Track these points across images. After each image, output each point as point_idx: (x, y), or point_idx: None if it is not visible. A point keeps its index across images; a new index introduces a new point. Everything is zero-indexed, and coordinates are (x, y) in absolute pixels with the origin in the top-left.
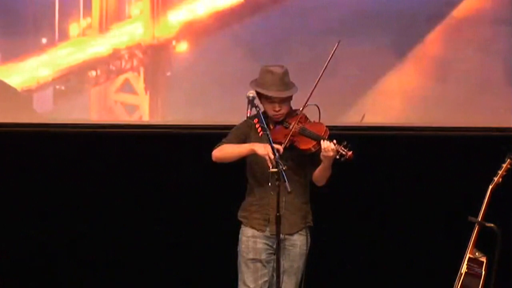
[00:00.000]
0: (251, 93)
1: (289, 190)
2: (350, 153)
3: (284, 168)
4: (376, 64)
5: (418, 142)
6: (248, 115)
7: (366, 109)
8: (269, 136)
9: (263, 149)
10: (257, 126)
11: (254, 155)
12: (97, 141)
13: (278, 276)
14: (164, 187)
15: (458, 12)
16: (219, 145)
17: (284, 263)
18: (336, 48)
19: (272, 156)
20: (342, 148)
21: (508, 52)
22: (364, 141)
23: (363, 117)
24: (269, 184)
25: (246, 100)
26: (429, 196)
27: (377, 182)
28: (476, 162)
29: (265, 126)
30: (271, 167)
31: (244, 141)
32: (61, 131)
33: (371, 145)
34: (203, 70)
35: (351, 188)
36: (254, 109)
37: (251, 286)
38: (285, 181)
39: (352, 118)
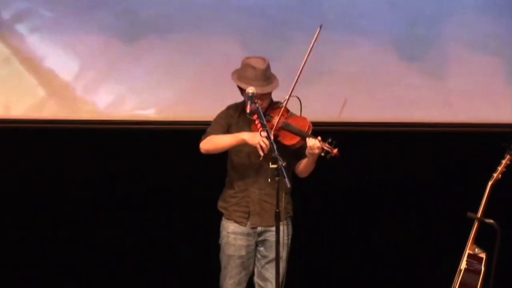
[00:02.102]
0: (251, 89)
1: (288, 186)
2: (335, 150)
3: (283, 165)
4: (375, 61)
5: (417, 138)
6: (248, 111)
7: (365, 106)
8: (269, 133)
9: (253, 138)
10: (256, 122)
11: (237, 146)
12: (95, 137)
13: (277, 272)
14: (162, 184)
15: (458, 10)
16: (206, 136)
17: (268, 254)
18: (318, 33)
19: (263, 145)
20: (327, 146)
21: (508, 47)
22: (364, 137)
23: (343, 105)
24: (269, 180)
25: (246, 97)
26: (429, 192)
27: (376, 178)
28: (475, 158)
29: (265, 122)
30: (262, 155)
31: (227, 131)
32: (57, 127)
33: (372, 142)
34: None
35: (352, 185)
36: (253, 104)
37: (230, 282)
38: (285, 177)
39: (351, 114)
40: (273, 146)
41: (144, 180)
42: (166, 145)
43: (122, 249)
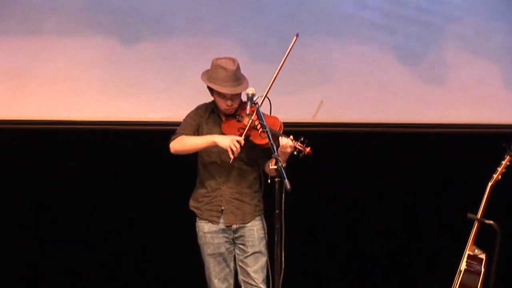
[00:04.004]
0: (251, 90)
1: (288, 187)
2: (308, 149)
3: (283, 166)
4: (376, 63)
5: (417, 139)
6: (248, 112)
7: (366, 107)
8: (269, 133)
9: (224, 141)
10: (256, 123)
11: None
12: (95, 137)
13: (277, 273)
14: (162, 184)
15: (457, 12)
16: (176, 137)
17: (248, 249)
18: (294, 42)
19: (234, 148)
20: (300, 144)
21: (508, 48)
22: (365, 138)
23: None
24: (269, 181)
25: (246, 97)
26: (429, 192)
27: (377, 179)
28: (475, 159)
29: (264, 123)
30: (232, 158)
31: (197, 130)
32: (58, 128)
33: (372, 142)
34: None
35: (352, 185)
36: (251, 104)
37: (215, 281)
38: (285, 178)
39: (352, 115)
40: (273, 146)
41: (144, 180)
42: (166, 145)
43: (122, 249)
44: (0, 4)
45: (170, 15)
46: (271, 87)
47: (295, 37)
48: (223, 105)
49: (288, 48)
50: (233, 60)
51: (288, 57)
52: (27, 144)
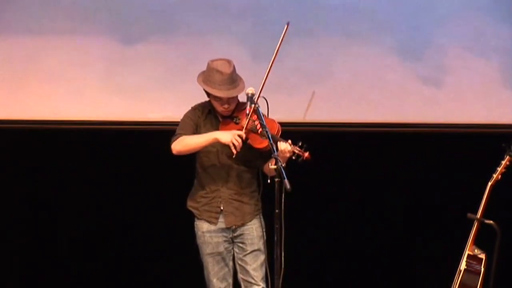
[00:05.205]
0: (251, 90)
1: (288, 187)
2: (306, 154)
3: (283, 166)
4: (376, 64)
5: (418, 139)
6: (247, 112)
7: (367, 107)
8: (268, 133)
9: (226, 136)
10: (256, 123)
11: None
12: (95, 138)
13: (276, 273)
14: (162, 184)
15: (457, 11)
16: (177, 138)
17: (247, 248)
18: (286, 31)
19: (236, 143)
20: (298, 149)
21: (508, 48)
22: (367, 138)
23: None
24: (268, 181)
25: (246, 97)
26: (429, 192)
27: (377, 178)
28: (475, 159)
29: (264, 123)
30: (235, 153)
31: (196, 130)
32: (55, 128)
33: (373, 142)
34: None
35: (352, 186)
36: (251, 105)
37: (214, 280)
38: (285, 178)
39: (352, 115)
40: (273, 147)
41: (144, 180)
42: (167, 145)
43: (122, 248)
44: (0, 3)
45: (170, 15)
46: (267, 78)
47: (286, 26)
48: (219, 107)
49: (280, 38)
50: (229, 62)
51: (281, 47)
52: (27, 144)
